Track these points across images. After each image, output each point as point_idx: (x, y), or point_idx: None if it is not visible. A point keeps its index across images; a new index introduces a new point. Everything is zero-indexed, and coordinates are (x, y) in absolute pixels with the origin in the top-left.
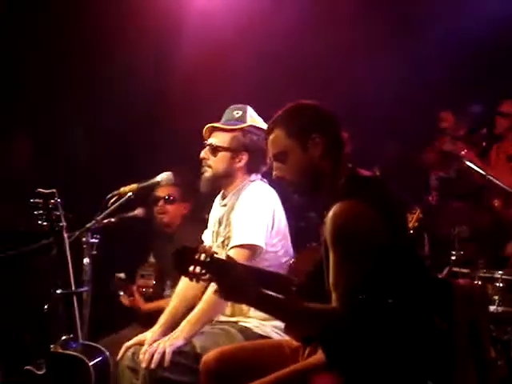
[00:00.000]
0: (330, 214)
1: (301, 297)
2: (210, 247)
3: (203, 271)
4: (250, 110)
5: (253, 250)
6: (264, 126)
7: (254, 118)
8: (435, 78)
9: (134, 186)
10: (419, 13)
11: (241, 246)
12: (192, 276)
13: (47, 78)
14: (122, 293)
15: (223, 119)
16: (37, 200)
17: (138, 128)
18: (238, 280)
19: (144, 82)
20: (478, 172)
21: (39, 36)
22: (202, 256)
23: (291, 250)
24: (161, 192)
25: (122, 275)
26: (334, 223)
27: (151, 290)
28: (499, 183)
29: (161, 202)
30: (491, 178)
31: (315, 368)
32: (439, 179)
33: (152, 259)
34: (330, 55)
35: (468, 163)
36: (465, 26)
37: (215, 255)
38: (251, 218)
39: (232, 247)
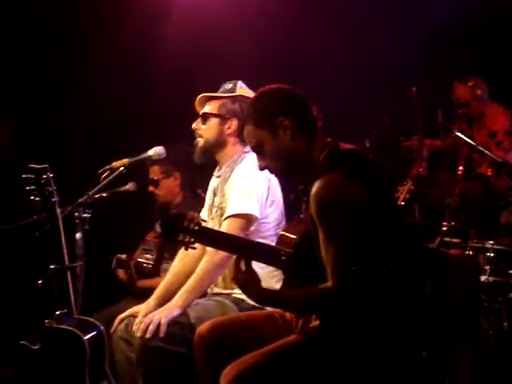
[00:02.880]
0: (313, 190)
1: (290, 267)
2: (198, 215)
3: (192, 240)
4: (241, 83)
5: (247, 219)
6: None
7: (244, 89)
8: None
9: (125, 160)
10: None
11: (235, 215)
12: (181, 244)
13: (39, 56)
14: (120, 273)
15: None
16: (29, 175)
17: (130, 103)
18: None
19: (136, 56)
20: (469, 143)
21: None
22: (191, 224)
23: (284, 222)
24: (149, 177)
25: (124, 256)
26: (318, 200)
27: (150, 265)
28: (490, 154)
29: (150, 188)
30: (482, 148)
31: (308, 341)
32: (430, 151)
33: (157, 229)
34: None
35: (459, 134)
36: None
37: (203, 224)
38: (245, 188)
39: (227, 217)
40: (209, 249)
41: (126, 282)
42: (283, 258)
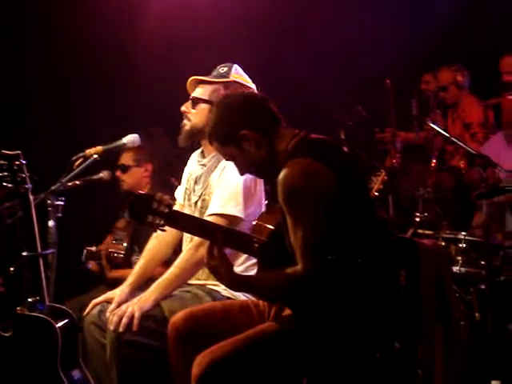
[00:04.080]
0: (279, 177)
1: (263, 255)
2: (167, 197)
3: (162, 222)
4: (237, 68)
5: (232, 220)
6: (249, 83)
7: (239, 75)
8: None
9: (99, 148)
10: None
11: (220, 215)
12: (150, 226)
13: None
14: (91, 264)
15: (210, 76)
16: (1, 162)
17: (104, 89)
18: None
19: (114, 43)
20: (443, 135)
21: None
22: (161, 207)
23: None
24: (119, 161)
25: (93, 248)
26: (283, 184)
27: (122, 255)
28: (464, 145)
29: (118, 172)
30: (456, 140)
31: (282, 329)
32: (404, 143)
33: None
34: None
35: (433, 126)
36: None
37: (173, 207)
38: (234, 188)
39: (211, 214)
40: (187, 245)
41: (96, 273)
42: (256, 245)
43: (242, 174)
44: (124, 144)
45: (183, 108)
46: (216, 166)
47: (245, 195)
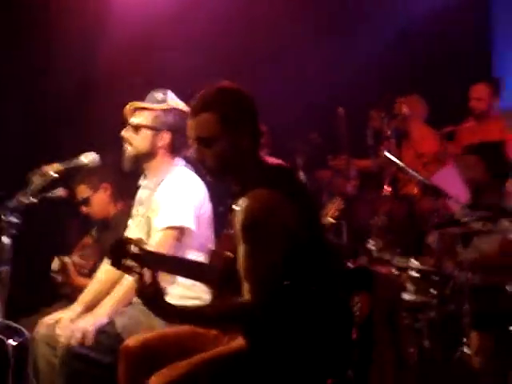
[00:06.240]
0: (242, 204)
1: (224, 284)
2: (140, 239)
3: (134, 264)
4: (171, 94)
5: (180, 231)
6: (186, 108)
7: (175, 101)
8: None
9: (56, 165)
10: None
11: (168, 228)
12: (125, 270)
13: None
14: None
15: (145, 102)
16: None
17: (61, 107)
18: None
19: (70, 64)
20: (397, 164)
21: None
22: (133, 248)
23: (212, 237)
24: (77, 194)
25: (67, 259)
26: (245, 213)
27: (87, 270)
28: (417, 175)
29: (82, 208)
30: (409, 170)
31: (237, 353)
32: (358, 170)
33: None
34: (259, 49)
35: (387, 155)
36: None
37: (145, 247)
38: (178, 201)
39: (160, 230)
40: None
41: (62, 281)
42: (216, 276)
43: (200, 159)
44: (86, 164)
45: (124, 134)
46: (158, 185)
47: (190, 208)
